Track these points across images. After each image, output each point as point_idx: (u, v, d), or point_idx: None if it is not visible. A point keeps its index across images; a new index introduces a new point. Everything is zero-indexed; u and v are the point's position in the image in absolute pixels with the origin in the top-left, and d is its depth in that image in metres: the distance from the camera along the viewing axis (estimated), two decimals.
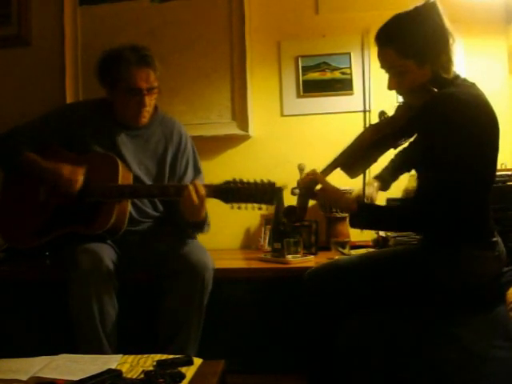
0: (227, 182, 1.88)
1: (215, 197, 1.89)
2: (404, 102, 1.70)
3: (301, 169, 2.50)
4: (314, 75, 2.68)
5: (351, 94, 2.65)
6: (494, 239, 1.60)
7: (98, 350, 1.83)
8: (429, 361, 1.43)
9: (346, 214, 2.51)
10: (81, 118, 2.16)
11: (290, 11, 2.70)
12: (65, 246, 2.00)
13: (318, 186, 1.68)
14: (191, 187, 1.87)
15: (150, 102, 2.10)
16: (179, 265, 1.94)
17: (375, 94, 2.59)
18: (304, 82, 2.68)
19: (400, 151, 1.86)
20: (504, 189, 2.01)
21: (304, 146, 2.62)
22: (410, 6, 1.59)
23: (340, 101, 2.65)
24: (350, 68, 2.64)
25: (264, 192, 1.84)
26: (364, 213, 1.62)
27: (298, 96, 2.70)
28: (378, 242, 2.33)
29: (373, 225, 1.70)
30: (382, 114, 1.69)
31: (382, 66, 1.65)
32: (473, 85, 1.59)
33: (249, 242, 2.72)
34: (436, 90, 1.56)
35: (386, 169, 1.94)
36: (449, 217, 1.50)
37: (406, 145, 1.78)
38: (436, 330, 1.50)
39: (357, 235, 2.49)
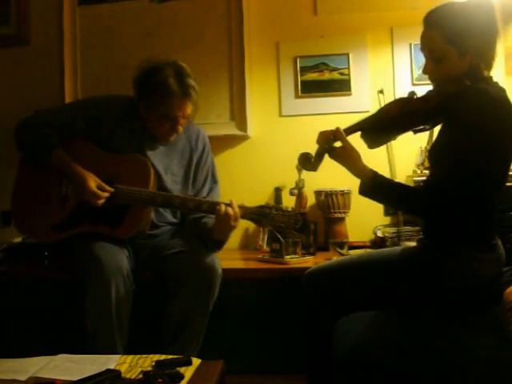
0: (261, 207, 1.92)
1: (249, 219, 1.94)
2: (436, 88, 1.66)
3: (299, 169, 2.51)
4: (313, 76, 2.68)
5: (349, 95, 2.65)
6: (494, 241, 1.61)
7: (109, 348, 1.83)
8: (428, 361, 1.43)
9: (344, 215, 2.54)
10: (112, 115, 2.10)
11: (288, 12, 2.70)
12: (83, 242, 1.97)
13: (338, 144, 1.67)
14: (223, 209, 1.87)
15: (180, 129, 2.07)
16: (188, 268, 1.94)
17: (374, 94, 2.63)
18: (302, 82, 2.68)
19: None
20: (504, 189, 2.01)
21: (302, 147, 2.60)
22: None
23: (338, 101, 2.66)
24: (349, 69, 2.65)
25: (295, 222, 1.90)
26: (377, 183, 1.61)
27: (297, 96, 2.70)
28: (376, 243, 2.34)
29: (381, 198, 1.68)
30: (412, 93, 1.67)
31: (423, 49, 1.63)
32: (504, 90, 1.59)
33: (247, 243, 2.72)
34: (469, 83, 1.55)
35: None
36: (452, 212, 1.51)
37: None
38: (435, 331, 1.50)
39: (355, 236, 2.51)
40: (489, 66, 1.60)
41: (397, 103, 1.67)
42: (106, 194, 1.96)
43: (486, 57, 1.59)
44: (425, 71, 1.65)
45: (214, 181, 2.24)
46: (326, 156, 1.69)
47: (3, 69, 2.85)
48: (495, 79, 1.64)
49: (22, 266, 2.29)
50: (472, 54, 1.56)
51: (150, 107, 2.03)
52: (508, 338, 1.47)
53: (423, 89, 1.67)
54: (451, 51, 1.56)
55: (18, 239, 2.43)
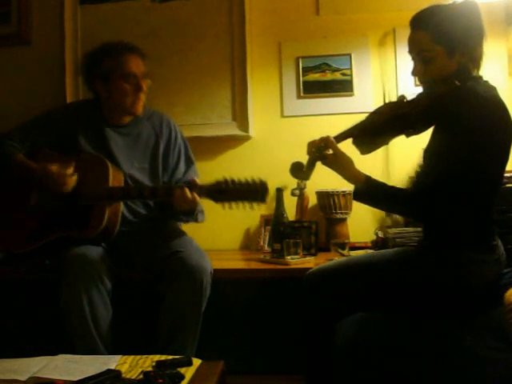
0: (218, 183, 1.89)
1: (206, 197, 1.91)
2: (425, 90, 1.68)
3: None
4: (315, 76, 2.68)
5: (351, 95, 2.65)
6: (494, 242, 1.61)
7: (93, 352, 1.82)
8: (428, 362, 1.43)
9: (345, 216, 2.54)
10: (70, 117, 2.17)
11: (290, 12, 2.70)
12: (61, 250, 2.00)
13: (330, 151, 1.67)
14: (179, 191, 1.90)
15: (145, 87, 2.12)
16: (177, 268, 1.93)
17: (376, 95, 2.63)
18: (304, 82, 2.68)
19: None
20: (504, 191, 2.01)
21: (304, 147, 2.59)
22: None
23: (340, 102, 2.65)
24: (351, 69, 2.64)
25: (255, 191, 1.85)
26: (370, 187, 1.62)
27: (299, 97, 2.70)
28: (377, 244, 2.33)
29: (374, 202, 1.69)
30: (401, 97, 1.68)
31: (411, 50, 1.65)
32: (494, 88, 1.60)
33: (248, 243, 2.71)
34: (458, 83, 1.55)
35: None
36: (443, 213, 1.52)
37: None
38: (435, 332, 1.50)
39: (356, 236, 2.50)
40: (477, 66, 1.61)
41: (387, 107, 1.68)
42: (71, 170, 1.98)
43: (474, 56, 1.59)
44: (414, 73, 1.67)
45: (190, 161, 2.27)
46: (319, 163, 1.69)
47: (4, 68, 2.85)
48: (497, 80, 1.65)
49: (22, 266, 2.29)
50: (460, 53, 1.57)
51: (107, 78, 2.10)
52: (509, 339, 1.46)
53: (419, 92, 1.68)
54: (440, 51, 1.58)
55: None
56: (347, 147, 1.70)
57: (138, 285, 2.08)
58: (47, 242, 2.05)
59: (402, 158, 2.49)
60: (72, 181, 2.00)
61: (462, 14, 1.59)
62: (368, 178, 1.64)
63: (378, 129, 1.66)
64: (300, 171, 1.72)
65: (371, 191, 1.63)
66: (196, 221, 2.11)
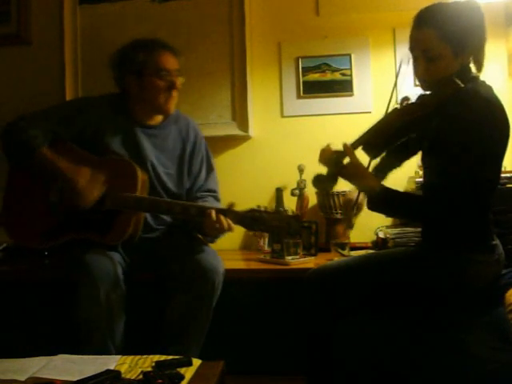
0: (252, 211, 1.86)
1: (238, 224, 1.87)
2: (430, 92, 1.66)
3: (301, 170, 2.51)
4: (315, 76, 2.68)
5: (351, 96, 2.65)
6: (494, 242, 1.60)
7: (102, 353, 1.80)
8: (429, 362, 1.43)
9: (343, 217, 2.53)
10: (98, 112, 2.09)
11: (290, 12, 2.70)
12: (73, 248, 1.96)
13: (346, 160, 1.64)
14: (213, 215, 1.85)
15: (179, 85, 2.09)
16: (190, 268, 1.92)
17: (376, 95, 2.63)
18: (304, 82, 2.68)
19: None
20: (503, 191, 2.01)
21: (304, 147, 2.62)
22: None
23: (340, 102, 2.65)
24: (351, 69, 2.64)
25: (288, 225, 1.82)
26: (386, 196, 1.59)
27: (299, 97, 2.69)
28: (378, 244, 2.33)
29: (389, 210, 1.68)
30: (405, 99, 1.65)
31: (414, 48, 1.62)
32: (491, 88, 1.59)
33: (248, 243, 2.71)
34: (462, 84, 1.54)
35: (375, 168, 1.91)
36: (456, 215, 1.51)
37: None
38: (436, 332, 1.50)
39: (356, 236, 2.50)
40: (480, 67, 1.60)
41: (397, 114, 1.64)
42: (97, 193, 1.93)
43: (479, 57, 1.58)
44: (417, 73, 1.64)
45: (211, 168, 2.24)
46: None
47: (4, 68, 2.85)
48: (497, 81, 1.64)
49: (21, 265, 2.28)
50: (466, 54, 1.56)
51: (141, 73, 2.05)
52: (509, 339, 1.46)
53: (421, 94, 1.67)
54: (446, 50, 1.56)
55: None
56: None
57: (145, 283, 2.07)
58: (61, 243, 2.00)
59: None
60: (94, 201, 1.94)
61: (468, 13, 1.56)
62: (384, 188, 1.61)
63: (391, 136, 1.63)
64: (323, 183, 1.70)
65: (386, 200, 1.60)
66: (214, 242, 2.09)
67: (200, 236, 2.13)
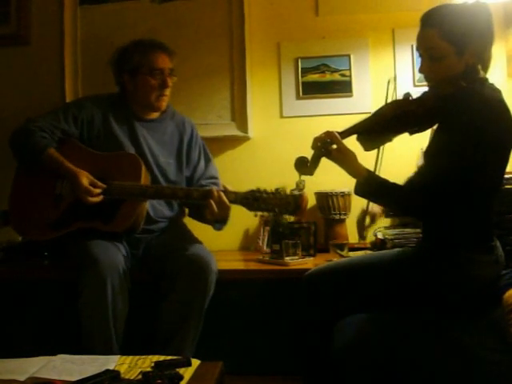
0: (252, 191, 1.92)
1: (240, 204, 1.93)
2: (431, 90, 1.67)
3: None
4: (314, 77, 2.68)
5: (350, 96, 2.65)
6: (493, 243, 1.61)
7: (106, 346, 1.84)
8: (428, 363, 1.43)
9: (344, 217, 2.54)
10: (102, 106, 2.20)
11: (289, 13, 2.70)
12: (77, 241, 2.01)
13: (334, 146, 1.67)
14: (216, 194, 1.93)
15: (170, 84, 2.17)
16: (183, 266, 1.95)
17: (375, 96, 2.63)
18: (303, 83, 2.68)
19: None
20: (503, 192, 2.01)
21: (303, 148, 2.61)
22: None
23: (339, 103, 2.66)
24: (350, 70, 2.65)
25: (287, 203, 1.89)
26: (371, 183, 1.62)
27: (298, 97, 2.70)
28: (376, 245, 2.34)
29: (375, 197, 1.70)
30: (407, 94, 1.67)
31: (419, 47, 1.63)
32: (499, 91, 1.59)
33: (247, 244, 2.71)
34: (464, 84, 1.55)
35: None
36: (441, 211, 1.52)
37: None
38: (435, 333, 1.50)
39: (355, 237, 2.50)
40: (486, 67, 1.61)
41: (392, 105, 1.67)
42: (98, 190, 2.01)
43: (484, 58, 1.59)
44: (421, 70, 1.65)
45: (208, 158, 2.33)
46: (323, 159, 1.69)
47: (3, 69, 2.84)
48: (496, 81, 1.64)
49: (21, 265, 2.29)
50: (470, 54, 1.57)
51: (135, 72, 2.16)
52: (508, 340, 1.46)
53: (425, 90, 1.67)
54: (449, 49, 1.56)
55: (18, 239, 2.43)
56: (350, 143, 1.69)
57: (142, 283, 2.08)
58: (67, 233, 2.05)
59: (399, 158, 2.47)
60: (95, 201, 2.00)
61: (473, 14, 1.57)
62: (370, 174, 1.64)
63: (383, 126, 1.66)
64: (304, 166, 1.72)
65: (372, 187, 1.63)
66: (222, 228, 2.12)
67: (208, 224, 2.16)
